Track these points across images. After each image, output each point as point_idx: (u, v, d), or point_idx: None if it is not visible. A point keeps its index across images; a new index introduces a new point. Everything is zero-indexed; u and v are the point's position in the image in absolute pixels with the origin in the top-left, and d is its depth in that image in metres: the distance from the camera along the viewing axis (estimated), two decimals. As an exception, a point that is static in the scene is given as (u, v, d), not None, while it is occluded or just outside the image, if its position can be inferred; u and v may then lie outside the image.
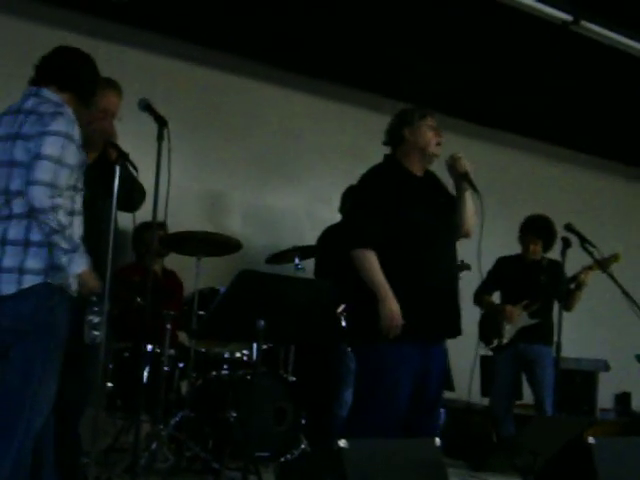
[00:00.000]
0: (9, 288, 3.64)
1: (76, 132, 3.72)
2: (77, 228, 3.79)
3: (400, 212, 4.54)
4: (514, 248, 7.03)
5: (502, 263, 7.00)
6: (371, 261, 4.48)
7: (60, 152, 3.64)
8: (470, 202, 4.74)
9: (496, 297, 7.06)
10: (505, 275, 6.90)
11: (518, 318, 6.70)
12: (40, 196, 3.58)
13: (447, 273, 4.65)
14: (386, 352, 4.47)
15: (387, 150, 4.81)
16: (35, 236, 3.65)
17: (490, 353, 6.84)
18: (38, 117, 3.71)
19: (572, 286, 6.54)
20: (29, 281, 3.64)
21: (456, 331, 4.75)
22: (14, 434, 3.62)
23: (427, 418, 4.64)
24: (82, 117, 3.93)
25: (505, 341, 6.73)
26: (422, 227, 4.57)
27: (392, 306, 4.42)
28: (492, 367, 6.85)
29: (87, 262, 3.77)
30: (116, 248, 4.44)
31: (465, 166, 4.67)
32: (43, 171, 3.60)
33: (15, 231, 3.67)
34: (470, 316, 6.78)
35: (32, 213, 3.62)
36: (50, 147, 3.63)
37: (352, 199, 4.71)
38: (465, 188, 4.70)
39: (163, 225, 5.60)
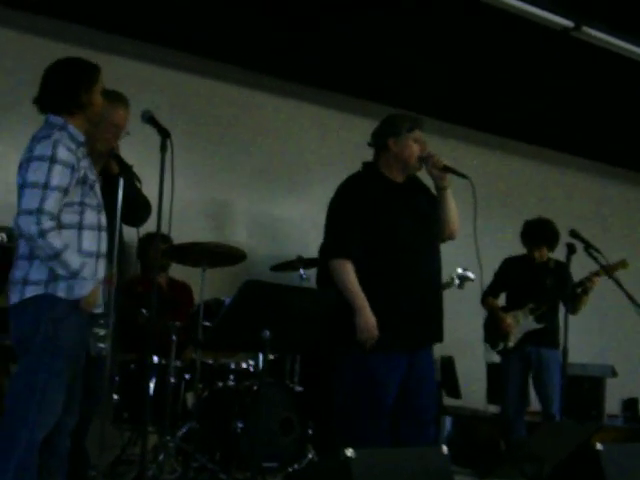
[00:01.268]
0: (14, 298, 3.77)
1: (61, 152, 3.73)
2: (87, 241, 3.84)
3: (378, 221, 4.52)
4: (519, 249, 7.01)
5: (508, 264, 6.99)
6: (347, 272, 4.47)
7: (45, 176, 3.68)
8: (452, 201, 4.70)
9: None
10: (511, 276, 6.89)
11: (524, 322, 6.68)
12: (25, 225, 3.67)
13: (428, 278, 4.62)
14: (369, 361, 4.46)
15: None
16: None
17: (496, 360, 6.81)
18: (30, 143, 3.80)
19: (578, 290, 6.53)
20: (30, 292, 3.74)
21: (438, 338, 4.72)
22: (16, 445, 3.65)
23: (418, 430, 4.58)
24: (89, 130, 3.99)
25: (511, 345, 6.70)
26: (401, 235, 4.54)
27: (368, 318, 4.40)
28: (500, 373, 6.81)
29: (90, 284, 3.79)
30: (122, 261, 4.46)
31: (442, 160, 4.62)
32: (27, 199, 3.68)
33: (23, 246, 3.80)
34: (475, 324, 6.78)
35: (28, 243, 3.72)
36: (33, 173, 3.69)
37: (329, 209, 4.68)
38: (446, 185, 4.66)
39: (167, 238, 5.61)
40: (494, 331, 6.76)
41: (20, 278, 3.77)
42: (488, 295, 6.84)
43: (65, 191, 3.73)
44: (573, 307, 6.50)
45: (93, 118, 3.98)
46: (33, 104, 3.94)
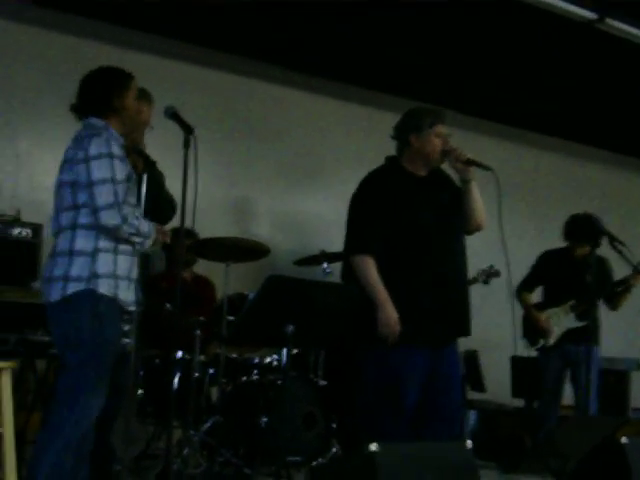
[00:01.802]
0: (55, 295, 3.85)
1: (115, 148, 3.89)
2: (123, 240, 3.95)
3: (400, 216, 4.51)
4: (546, 246, 6.96)
5: (547, 258, 6.83)
6: (369, 267, 4.46)
7: (111, 172, 3.83)
8: (477, 193, 4.66)
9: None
10: (550, 271, 6.75)
11: (565, 319, 6.58)
12: (109, 219, 3.82)
13: (451, 273, 4.59)
14: (391, 356, 4.45)
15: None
16: (78, 245, 3.86)
17: (525, 354, 6.74)
18: (78, 141, 3.93)
19: (619, 289, 6.44)
20: (72, 288, 3.82)
21: (464, 331, 4.69)
22: (60, 434, 3.77)
23: (444, 428, 4.55)
24: (126, 130, 4.11)
25: (552, 342, 6.60)
26: (423, 229, 4.52)
27: (389, 313, 4.39)
28: (538, 369, 6.71)
29: (152, 228, 4.02)
30: (146, 259, 4.49)
31: (465, 154, 4.58)
32: (103, 195, 3.82)
33: (62, 242, 3.90)
34: (500, 318, 6.75)
35: (112, 234, 3.87)
36: (99, 171, 3.83)
37: (351, 204, 4.68)
38: (471, 178, 4.62)
39: (193, 233, 5.62)
40: (533, 328, 6.67)
41: (61, 275, 3.84)
42: (523, 289, 6.73)
43: (124, 185, 3.89)
44: (614, 304, 6.44)
45: (128, 122, 4.10)
46: (70, 111, 4.06)
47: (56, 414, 3.83)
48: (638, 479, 4.36)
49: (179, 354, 5.66)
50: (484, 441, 7.02)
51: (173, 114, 4.27)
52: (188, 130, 4.19)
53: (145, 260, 4.41)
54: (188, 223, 4.13)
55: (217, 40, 7.16)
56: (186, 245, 5.76)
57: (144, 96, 4.46)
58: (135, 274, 4.02)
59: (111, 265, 3.88)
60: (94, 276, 3.83)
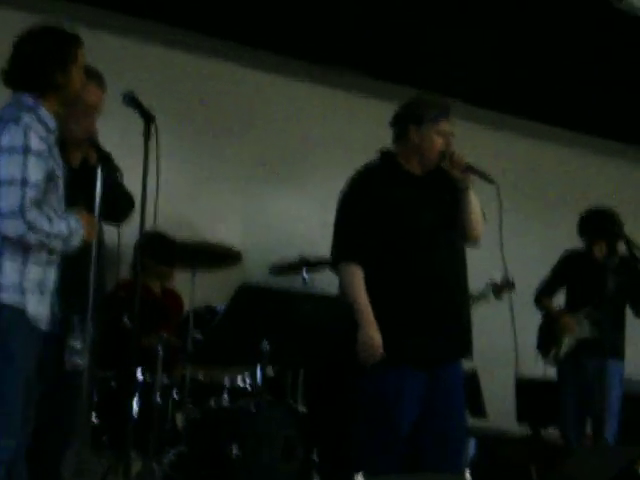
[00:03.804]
0: None
1: (33, 141, 3.71)
2: None
3: (391, 219, 4.49)
4: (552, 250, 6.95)
5: (568, 259, 6.82)
6: (354, 278, 4.45)
7: (21, 171, 3.67)
8: (475, 203, 4.65)
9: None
10: (570, 274, 6.73)
11: (579, 328, 6.51)
12: (9, 228, 3.67)
13: (449, 285, 4.57)
14: (382, 380, 4.43)
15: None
16: None
17: (529, 375, 6.71)
18: None
19: None
20: None
21: (463, 351, 4.68)
22: None
23: (443, 454, 4.53)
24: (63, 113, 3.94)
25: (563, 353, 6.55)
26: (418, 236, 4.51)
27: (372, 333, 4.38)
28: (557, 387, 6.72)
29: (76, 223, 3.83)
30: (103, 263, 4.44)
31: (464, 158, 4.56)
32: (7, 200, 3.66)
33: None
34: (503, 333, 6.73)
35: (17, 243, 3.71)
36: (7, 168, 3.67)
37: (339, 205, 4.64)
38: (468, 186, 4.59)
39: (167, 240, 5.59)
40: (548, 336, 6.61)
41: None
42: (543, 294, 6.74)
43: (39, 184, 3.71)
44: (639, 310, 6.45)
45: (68, 100, 3.94)
46: (10, 81, 3.88)
47: None
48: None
49: (139, 375, 5.59)
50: (485, 472, 7.01)
51: (132, 100, 4.22)
52: (149, 118, 4.15)
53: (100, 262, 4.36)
54: (148, 224, 4.08)
55: (182, 18, 7.12)
56: (160, 254, 5.75)
57: (93, 77, 4.36)
58: (51, 286, 3.87)
59: (16, 275, 3.74)
60: None
